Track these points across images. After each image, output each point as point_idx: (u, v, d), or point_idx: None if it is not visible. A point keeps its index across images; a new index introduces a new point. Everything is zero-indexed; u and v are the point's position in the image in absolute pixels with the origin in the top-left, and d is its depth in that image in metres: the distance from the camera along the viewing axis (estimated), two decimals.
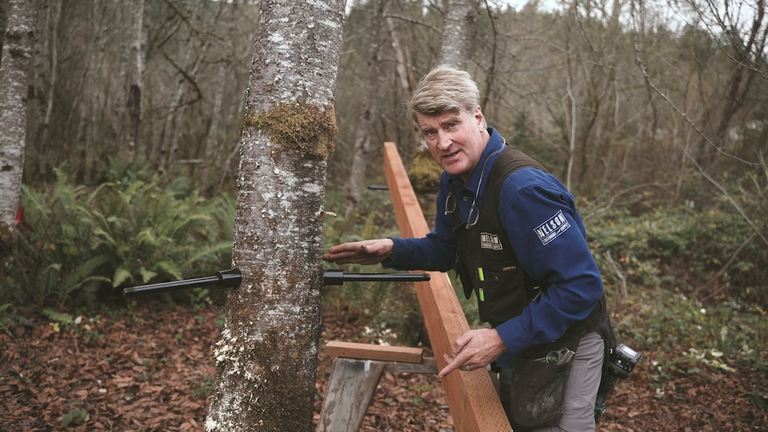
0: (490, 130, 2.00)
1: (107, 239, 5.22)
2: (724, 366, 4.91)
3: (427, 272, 2.46)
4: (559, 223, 1.72)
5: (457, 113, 1.86)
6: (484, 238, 1.89)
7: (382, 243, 2.13)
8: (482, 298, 1.96)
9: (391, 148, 5.21)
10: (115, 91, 16.57)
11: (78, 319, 4.83)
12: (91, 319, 4.90)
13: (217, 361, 1.81)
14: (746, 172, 11.50)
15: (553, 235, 1.72)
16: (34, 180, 11.48)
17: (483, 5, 5.53)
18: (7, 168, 4.62)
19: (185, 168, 15.92)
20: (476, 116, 1.94)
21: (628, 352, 1.96)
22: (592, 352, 1.92)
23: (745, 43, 12.71)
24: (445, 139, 1.87)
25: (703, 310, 6.72)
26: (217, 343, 1.84)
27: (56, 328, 4.61)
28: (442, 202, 2.17)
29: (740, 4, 13.26)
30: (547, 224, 1.72)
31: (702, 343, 5.61)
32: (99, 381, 3.96)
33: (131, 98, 12.15)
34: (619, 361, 1.96)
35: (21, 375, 3.83)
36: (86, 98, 15.66)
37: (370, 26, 11.84)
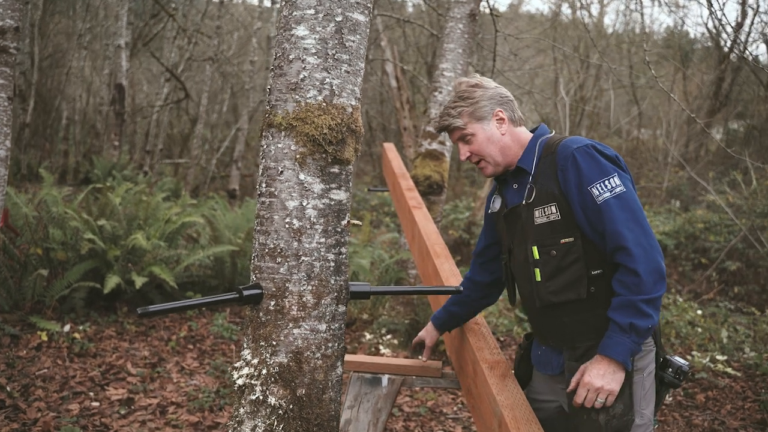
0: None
1: (97, 243, 5.02)
2: (729, 370, 4.85)
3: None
4: (614, 185, 1.73)
5: (464, 129, 1.96)
6: (537, 213, 1.86)
7: (427, 333, 2.32)
8: (538, 278, 1.86)
9: (390, 149, 5.05)
10: (98, 89, 16.23)
11: (66, 327, 4.63)
12: (81, 327, 4.70)
13: (237, 385, 1.66)
14: (731, 172, 11.54)
15: (607, 194, 1.73)
16: (16, 180, 11.18)
17: (483, 2, 5.41)
18: None
19: (170, 168, 15.62)
20: (498, 120, 1.96)
21: (679, 360, 1.85)
22: (646, 363, 1.82)
23: (728, 44, 12.78)
24: (463, 151, 2.00)
25: (699, 311, 6.67)
26: (236, 365, 1.69)
27: (44, 337, 4.41)
28: (489, 216, 2.15)
29: (723, 3, 13.32)
30: (602, 183, 1.74)
31: (703, 346, 5.54)
32: (91, 393, 3.78)
33: (115, 96, 11.88)
34: (670, 370, 1.85)
35: (8, 388, 3.63)
36: (68, 97, 15.30)
37: None
